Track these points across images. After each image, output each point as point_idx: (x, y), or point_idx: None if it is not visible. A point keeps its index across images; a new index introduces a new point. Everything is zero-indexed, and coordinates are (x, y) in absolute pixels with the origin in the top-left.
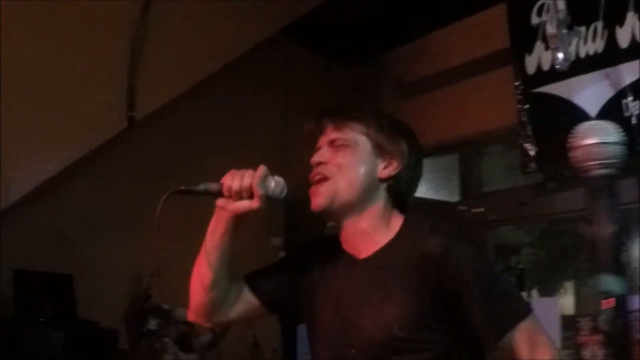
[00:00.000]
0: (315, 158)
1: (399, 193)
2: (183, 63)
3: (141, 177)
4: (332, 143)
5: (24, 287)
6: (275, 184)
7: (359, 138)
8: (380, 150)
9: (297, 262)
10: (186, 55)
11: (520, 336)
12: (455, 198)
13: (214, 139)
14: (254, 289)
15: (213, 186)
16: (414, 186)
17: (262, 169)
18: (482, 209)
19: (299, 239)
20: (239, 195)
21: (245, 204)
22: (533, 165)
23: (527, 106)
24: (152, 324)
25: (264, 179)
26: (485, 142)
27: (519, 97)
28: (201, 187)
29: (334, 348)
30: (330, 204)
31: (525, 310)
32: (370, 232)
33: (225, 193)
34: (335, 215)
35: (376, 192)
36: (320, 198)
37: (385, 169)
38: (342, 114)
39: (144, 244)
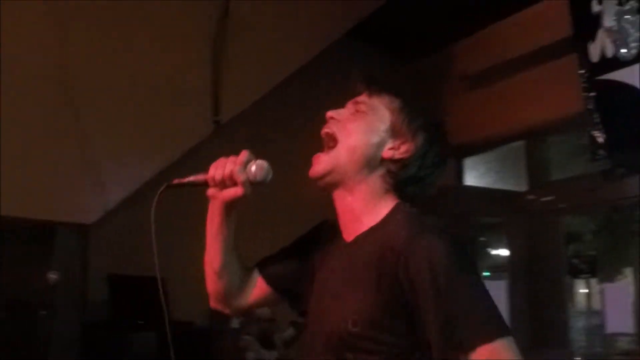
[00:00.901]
0: (331, 112)
1: (398, 180)
2: (262, 66)
3: None
4: (355, 103)
5: (118, 291)
6: (257, 168)
7: (381, 110)
8: (395, 130)
9: (304, 244)
10: (265, 59)
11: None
12: (523, 187)
13: (293, 140)
14: (262, 274)
15: (200, 177)
16: (420, 182)
17: (243, 155)
18: (551, 197)
19: None
20: (223, 183)
21: (231, 192)
22: (602, 152)
23: (593, 94)
24: (235, 323)
25: (244, 165)
26: (551, 131)
27: (584, 85)
28: (191, 178)
29: (312, 336)
30: (328, 173)
31: (495, 332)
32: (358, 213)
33: (210, 183)
34: (329, 185)
35: (373, 170)
36: (320, 166)
37: (391, 150)
38: (378, 82)
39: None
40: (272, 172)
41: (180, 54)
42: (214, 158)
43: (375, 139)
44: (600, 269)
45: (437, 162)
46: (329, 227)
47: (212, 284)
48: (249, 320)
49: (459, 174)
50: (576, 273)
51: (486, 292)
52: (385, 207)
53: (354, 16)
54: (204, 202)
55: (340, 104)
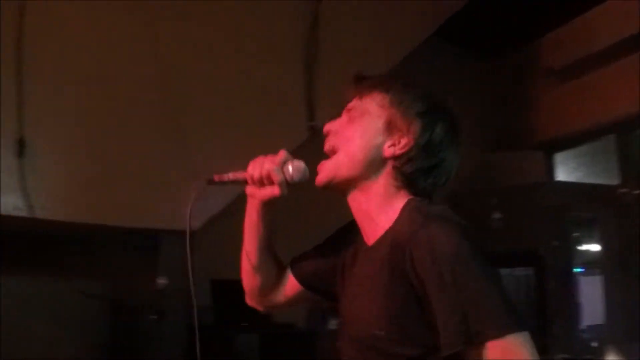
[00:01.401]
0: (327, 126)
1: (407, 176)
2: (354, 70)
3: None
4: (348, 111)
5: (221, 296)
6: (294, 169)
7: (373, 109)
8: (391, 126)
9: (333, 244)
10: (356, 62)
11: (487, 357)
12: (615, 181)
13: None
14: (292, 272)
15: (239, 175)
16: (432, 172)
17: (281, 155)
18: None
19: None
20: (261, 182)
21: (267, 191)
22: None
23: None
24: (333, 324)
25: (281, 165)
26: None
27: None
28: (230, 175)
29: (344, 337)
30: (331, 180)
31: (507, 326)
32: (373, 215)
33: (249, 181)
34: (339, 191)
35: (379, 170)
36: (322, 174)
37: (391, 147)
38: (367, 82)
39: None
40: (308, 173)
41: (274, 62)
42: (310, 163)
43: (372, 139)
44: None
45: (445, 146)
46: (357, 229)
47: (248, 279)
48: None
49: (550, 170)
50: None
51: (498, 283)
52: (398, 206)
53: (442, 15)
54: (299, 213)
55: None
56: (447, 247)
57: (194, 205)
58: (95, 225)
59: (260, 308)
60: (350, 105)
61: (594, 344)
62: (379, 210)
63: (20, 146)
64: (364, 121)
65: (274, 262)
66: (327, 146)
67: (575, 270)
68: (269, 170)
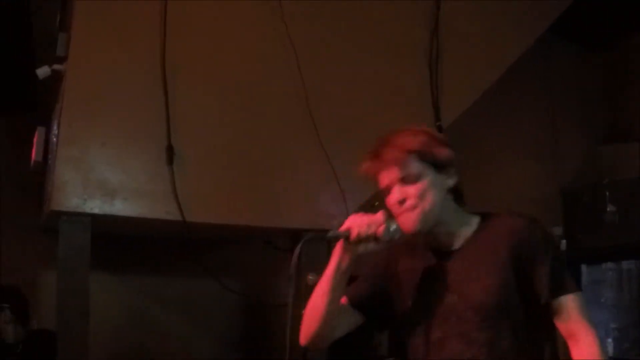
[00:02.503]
0: (397, 197)
1: (459, 191)
2: (474, 72)
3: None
4: (402, 180)
5: None
6: (394, 230)
7: (420, 168)
8: (439, 167)
9: (381, 265)
10: (475, 65)
11: (573, 304)
12: None
13: (506, 138)
14: (349, 300)
15: (342, 233)
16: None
17: (381, 216)
18: None
19: (578, 227)
20: (363, 240)
21: (370, 247)
22: None
23: None
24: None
25: (388, 226)
26: None
27: None
28: (331, 234)
29: (448, 322)
30: (423, 227)
31: (578, 287)
32: (454, 231)
33: (354, 239)
34: (426, 228)
35: (449, 200)
36: (414, 225)
37: (448, 180)
38: (397, 151)
39: None
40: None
41: (400, 66)
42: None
43: (438, 187)
44: None
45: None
46: (404, 248)
47: (314, 325)
48: None
49: None
50: None
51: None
52: (469, 217)
53: (554, 12)
54: None
55: (536, 97)
56: (547, 236)
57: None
58: (242, 227)
59: (320, 347)
60: (399, 175)
61: None
62: (458, 226)
63: (169, 153)
64: (425, 178)
65: (339, 304)
66: (407, 207)
67: None
68: (377, 232)
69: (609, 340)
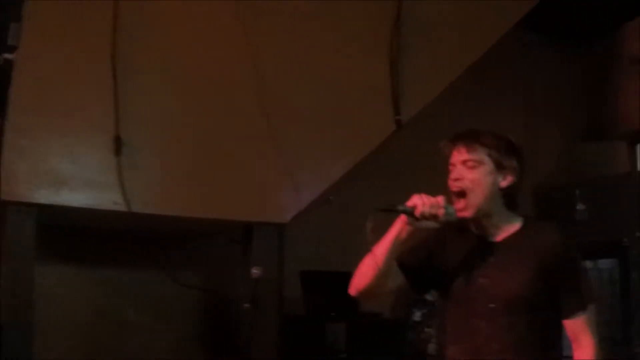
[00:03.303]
0: (454, 175)
1: (512, 196)
2: (437, 65)
3: (411, 175)
4: (464, 162)
5: (311, 287)
6: (452, 212)
7: (484, 158)
8: (499, 167)
9: (433, 241)
10: (439, 58)
11: (584, 315)
12: None
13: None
14: (401, 265)
15: (408, 209)
16: (521, 188)
17: (442, 199)
18: None
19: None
20: (425, 217)
21: (429, 224)
22: None
23: None
24: (417, 315)
25: (447, 208)
26: None
27: None
28: (400, 207)
29: (478, 302)
30: (476, 214)
31: (593, 299)
32: (500, 225)
33: (418, 215)
34: (476, 218)
35: (498, 198)
36: (467, 211)
37: (504, 181)
38: (473, 139)
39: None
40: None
41: (360, 58)
42: (396, 156)
43: (492, 181)
44: None
45: (524, 169)
46: (455, 230)
47: (366, 280)
48: (431, 313)
49: (634, 160)
50: None
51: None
52: (515, 217)
53: (525, 5)
54: (392, 199)
55: (512, 90)
56: (577, 252)
57: (371, 233)
58: (190, 218)
59: (368, 301)
60: (465, 157)
61: None
62: (504, 221)
63: (117, 144)
64: (482, 168)
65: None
66: (457, 188)
67: None
68: (438, 213)
69: None
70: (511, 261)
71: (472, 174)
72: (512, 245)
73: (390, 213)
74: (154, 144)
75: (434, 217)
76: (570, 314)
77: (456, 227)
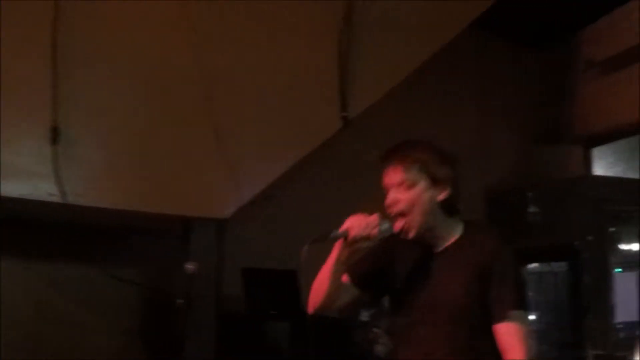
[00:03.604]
0: (389, 201)
1: (451, 205)
2: (387, 63)
3: (357, 173)
4: (399, 185)
5: (253, 285)
6: (386, 229)
7: (419, 176)
8: (435, 182)
9: (382, 251)
10: (389, 56)
11: (514, 322)
12: None
13: (420, 130)
14: (349, 276)
15: (341, 234)
16: (459, 195)
17: (376, 218)
18: None
19: (501, 228)
20: (361, 240)
21: (365, 244)
22: None
23: None
24: (365, 316)
25: (381, 227)
26: None
27: None
28: (333, 235)
29: (422, 311)
30: (419, 233)
31: (524, 306)
32: (442, 235)
33: (351, 239)
34: (420, 234)
35: (437, 211)
36: (410, 233)
37: (441, 194)
38: (405, 157)
39: None
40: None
41: (308, 54)
42: (343, 153)
43: (430, 198)
44: None
45: (458, 176)
46: (402, 240)
47: (318, 301)
48: (379, 314)
49: (588, 164)
50: None
51: (520, 274)
52: (456, 225)
53: (478, 7)
54: (330, 202)
55: (467, 91)
56: (510, 257)
57: (304, 266)
58: (128, 212)
59: (319, 314)
60: (398, 179)
61: (628, 341)
62: (445, 232)
63: (54, 134)
64: (417, 188)
65: (340, 283)
66: (395, 212)
67: (611, 265)
68: (371, 234)
69: None
70: (451, 270)
71: (408, 194)
72: (452, 254)
73: (325, 241)
74: (93, 136)
75: (367, 237)
76: (499, 319)
77: (404, 241)
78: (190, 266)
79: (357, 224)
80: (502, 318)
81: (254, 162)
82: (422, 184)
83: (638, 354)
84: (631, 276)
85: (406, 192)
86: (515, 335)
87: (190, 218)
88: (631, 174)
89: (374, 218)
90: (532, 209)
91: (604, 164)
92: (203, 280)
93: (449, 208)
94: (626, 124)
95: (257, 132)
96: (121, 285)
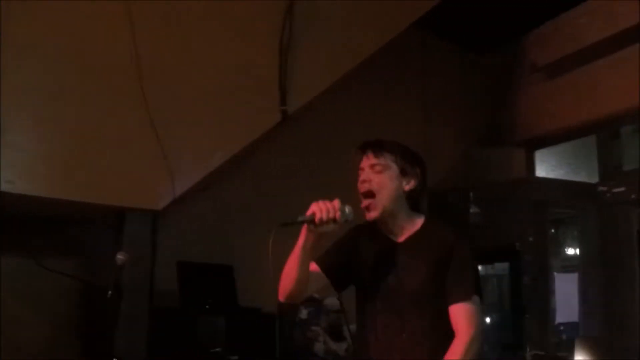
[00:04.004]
0: (363, 178)
1: (415, 200)
2: (327, 59)
3: (295, 169)
4: (372, 167)
5: (188, 278)
6: (349, 212)
7: (390, 164)
8: (404, 173)
9: (348, 241)
10: (330, 52)
11: (466, 306)
12: (595, 179)
13: (361, 127)
14: (318, 264)
15: (308, 218)
16: (424, 195)
17: (338, 202)
18: (622, 189)
19: None
20: (325, 222)
21: (330, 227)
22: None
23: None
24: (304, 313)
25: (343, 210)
26: (624, 121)
27: None
28: (300, 219)
29: (387, 298)
30: (381, 214)
31: (480, 290)
32: (404, 225)
33: (318, 222)
34: (382, 218)
35: (402, 200)
36: (373, 213)
37: (407, 185)
38: (380, 146)
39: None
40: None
41: (248, 47)
42: (281, 147)
43: (397, 184)
44: None
45: (426, 179)
46: (366, 231)
47: (288, 288)
48: (318, 312)
49: (531, 167)
50: None
51: (476, 265)
52: (417, 218)
53: (420, 7)
54: (269, 197)
55: (410, 92)
56: (468, 248)
57: (270, 250)
58: (61, 201)
59: (294, 302)
60: (372, 162)
61: (569, 341)
62: (407, 222)
63: None
64: (388, 172)
65: (308, 270)
66: (364, 189)
67: (551, 266)
68: (336, 215)
69: None
70: (413, 259)
71: (379, 177)
72: (413, 244)
73: (293, 225)
74: (28, 125)
75: (333, 220)
76: (453, 301)
77: (368, 229)
78: (120, 256)
79: (321, 208)
80: (456, 300)
81: (190, 155)
82: (392, 171)
83: (577, 354)
84: (572, 278)
85: (377, 175)
86: (466, 314)
87: (124, 208)
88: (573, 177)
89: (336, 202)
90: (473, 209)
91: (546, 167)
92: (136, 272)
93: (412, 201)
94: (568, 127)
95: (195, 124)
96: (55, 276)
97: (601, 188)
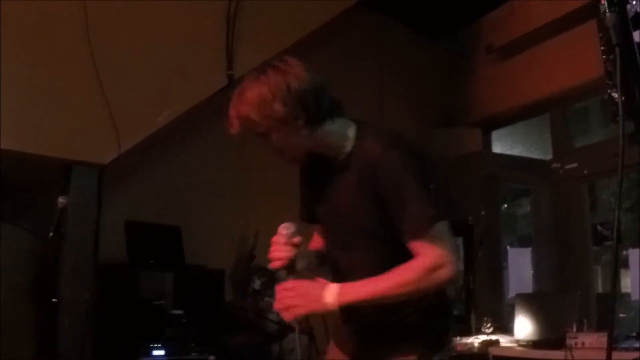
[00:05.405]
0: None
1: (312, 118)
2: (276, 27)
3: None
4: (263, 135)
5: (135, 237)
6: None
7: (263, 126)
8: (282, 122)
9: (303, 181)
10: (278, 20)
11: (428, 239)
12: (549, 156)
13: None
14: (307, 221)
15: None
16: (321, 100)
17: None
18: (575, 165)
19: None
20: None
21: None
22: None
23: (612, 56)
24: (257, 284)
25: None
26: (576, 98)
27: (603, 47)
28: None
29: (331, 234)
30: (300, 158)
31: (437, 217)
32: (335, 149)
33: (288, 269)
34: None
35: (308, 132)
36: (294, 163)
37: (298, 122)
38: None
39: (248, 207)
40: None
41: (198, 9)
42: (226, 111)
43: (290, 129)
44: (626, 235)
45: (304, 87)
46: (309, 163)
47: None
48: (271, 282)
49: (487, 146)
50: (601, 240)
51: (428, 186)
52: (343, 131)
53: None
54: (219, 157)
55: (367, 73)
56: (400, 167)
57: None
58: (6, 152)
59: None
60: (260, 130)
61: None
62: (334, 146)
63: None
64: (284, 127)
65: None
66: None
67: (504, 240)
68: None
69: None
70: (348, 191)
71: (278, 137)
72: (347, 170)
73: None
74: None
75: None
76: (408, 238)
77: (310, 161)
78: (62, 199)
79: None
80: (412, 238)
81: (135, 112)
82: (273, 130)
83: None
84: (525, 252)
85: (276, 135)
86: (429, 243)
87: (71, 162)
88: (526, 153)
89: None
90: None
91: (502, 146)
92: (81, 225)
93: (313, 120)
94: (522, 106)
95: (141, 83)
96: (5, 238)
97: (555, 165)
